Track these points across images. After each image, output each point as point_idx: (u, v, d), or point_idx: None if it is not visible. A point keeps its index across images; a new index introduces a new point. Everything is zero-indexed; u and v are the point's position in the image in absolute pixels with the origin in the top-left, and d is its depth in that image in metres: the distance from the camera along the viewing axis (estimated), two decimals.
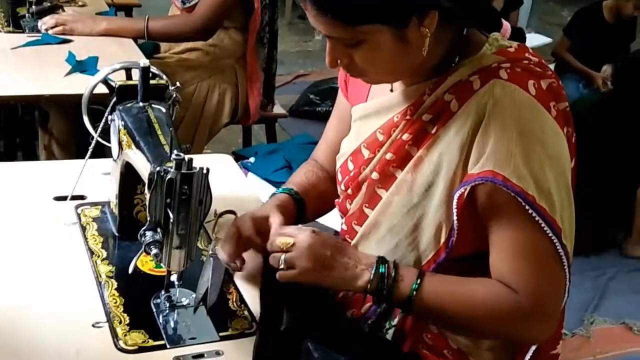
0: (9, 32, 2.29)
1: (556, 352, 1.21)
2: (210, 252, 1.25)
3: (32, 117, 2.53)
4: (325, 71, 4.66)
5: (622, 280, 2.80)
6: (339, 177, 1.25)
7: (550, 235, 1.03)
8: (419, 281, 1.06)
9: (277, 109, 2.84)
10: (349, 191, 1.21)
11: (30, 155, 2.54)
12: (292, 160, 2.18)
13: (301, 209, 1.29)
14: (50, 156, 2.31)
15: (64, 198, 1.37)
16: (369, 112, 1.21)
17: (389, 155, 1.14)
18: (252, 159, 2.26)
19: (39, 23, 2.28)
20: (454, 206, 1.06)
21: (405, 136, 1.12)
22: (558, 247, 1.04)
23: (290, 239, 1.07)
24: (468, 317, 1.07)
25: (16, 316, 1.07)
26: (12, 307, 1.09)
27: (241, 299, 1.17)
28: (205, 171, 1.01)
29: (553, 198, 1.04)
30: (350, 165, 1.22)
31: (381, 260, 1.08)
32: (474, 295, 1.07)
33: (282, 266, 1.07)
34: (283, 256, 1.07)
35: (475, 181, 1.03)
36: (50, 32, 2.25)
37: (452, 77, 1.09)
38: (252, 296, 1.18)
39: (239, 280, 1.21)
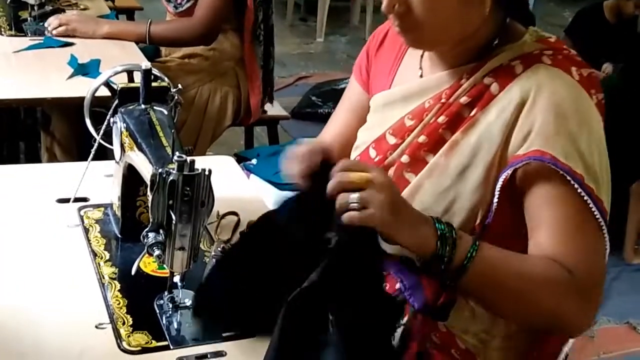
0: (11, 35, 2.30)
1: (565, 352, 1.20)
2: (213, 253, 1.25)
3: (35, 120, 2.53)
4: (326, 73, 4.67)
5: (625, 280, 2.80)
6: None
7: (597, 217, 1.03)
8: (476, 245, 1.00)
9: (279, 111, 2.84)
10: None
11: (33, 157, 2.55)
12: None
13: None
14: (52, 158, 2.32)
15: (66, 200, 1.38)
16: (394, 98, 1.21)
17: (421, 138, 1.14)
18: (254, 161, 2.26)
19: (46, 24, 2.29)
20: (497, 188, 1.06)
21: (441, 119, 1.12)
22: (603, 229, 1.03)
23: (366, 174, 0.95)
24: (523, 288, 1.01)
25: (19, 318, 1.07)
26: (16, 309, 1.09)
27: None
28: (207, 173, 1.01)
29: (599, 180, 1.04)
30: (373, 153, 1.21)
31: (437, 219, 1.01)
32: (531, 267, 1.01)
33: (354, 205, 0.94)
34: (357, 194, 0.94)
35: (523, 161, 1.04)
36: (53, 32, 2.26)
37: (492, 62, 1.11)
38: None
39: None
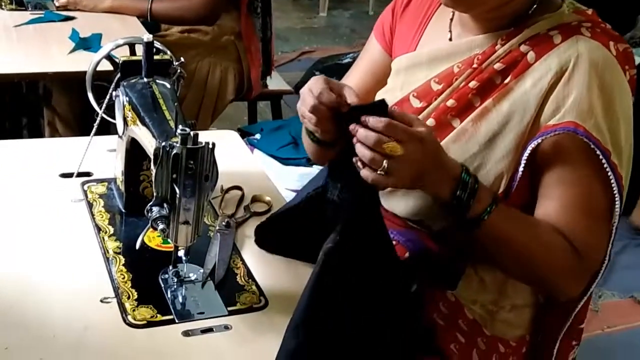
0: (12, 9, 2.28)
1: (581, 327, 1.22)
2: (218, 227, 1.25)
3: (37, 95, 2.52)
4: (330, 48, 4.64)
5: (630, 254, 2.79)
6: None
7: (615, 191, 1.05)
8: (492, 206, 1.03)
9: (282, 86, 2.83)
10: None
11: (35, 133, 2.54)
12: (297, 137, 2.17)
13: None
14: (54, 133, 2.32)
15: (70, 175, 1.37)
16: (420, 60, 1.20)
17: (450, 102, 1.13)
18: (257, 136, 2.26)
19: (53, 2, 2.27)
20: (525, 156, 1.07)
21: (472, 84, 1.12)
22: (616, 206, 1.07)
23: (399, 147, 0.95)
24: (525, 257, 1.07)
25: (24, 292, 1.07)
26: (20, 284, 1.09)
27: (249, 274, 1.17)
28: (211, 146, 1.00)
29: (622, 156, 1.06)
30: None
31: (466, 171, 1.03)
32: (537, 238, 1.06)
33: (380, 172, 0.96)
34: (385, 163, 0.95)
35: (556, 131, 1.04)
36: (56, 3, 2.24)
37: (529, 30, 1.10)
38: (260, 271, 1.18)
39: (246, 255, 1.21)
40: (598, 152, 1.03)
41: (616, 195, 1.06)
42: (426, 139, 0.98)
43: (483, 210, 1.03)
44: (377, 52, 1.32)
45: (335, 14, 5.37)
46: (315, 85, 1.03)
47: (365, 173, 0.97)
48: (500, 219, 1.05)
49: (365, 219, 1.02)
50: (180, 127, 1.00)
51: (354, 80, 1.32)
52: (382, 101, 1.00)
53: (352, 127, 0.97)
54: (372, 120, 0.96)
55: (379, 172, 0.96)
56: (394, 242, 1.13)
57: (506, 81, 1.09)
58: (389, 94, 1.23)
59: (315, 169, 2.03)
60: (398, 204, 1.17)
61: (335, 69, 3.99)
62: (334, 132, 1.03)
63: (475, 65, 1.12)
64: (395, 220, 1.19)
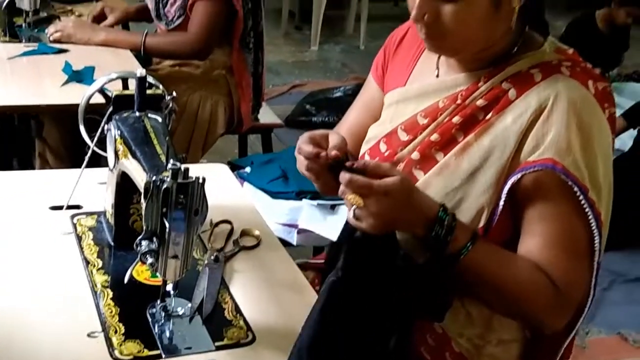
0: (6, 41, 2.30)
1: None
2: (206, 261, 1.25)
3: (29, 127, 2.53)
4: (321, 81, 4.68)
5: (616, 290, 2.80)
6: (367, 159, 1.26)
7: (593, 228, 1.07)
8: (470, 244, 1.07)
9: (273, 119, 2.84)
10: None
11: (26, 164, 2.54)
12: (288, 170, 2.18)
13: None
14: (45, 164, 2.32)
15: (59, 207, 1.38)
16: (409, 95, 1.24)
17: (434, 137, 1.16)
18: (248, 169, 2.26)
19: (46, 32, 2.29)
20: (504, 191, 1.09)
21: (455, 119, 1.15)
22: (595, 242, 1.08)
23: (360, 200, 1.02)
24: (504, 293, 1.09)
25: (11, 326, 1.07)
26: (8, 317, 1.08)
27: (237, 309, 1.17)
28: (201, 181, 1.01)
29: (601, 193, 1.08)
30: (383, 147, 1.23)
31: (443, 209, 1.07)
32: (516, 274, 1.08)
33: (351, 215, 1.05)
34: (352, 210, 1.04)
35: (534, 168, 1.07)
36: (50, 38, 2.26)
37: (511, 68, 1.13)
38: (247, 306, 1.18)
39: (234, 289, 1.22)
40: (576, 188, 1.05)
41: (595, 232, 1.08)
42: (392, 190, 1.02)
43: (461, 247, 1.06)
44: (373, 89, 1.37)
45: (327, 48, 5.43)
46: (298, 143, 1.12)
47: (348, 218, 1.06)
48: (479, 256, 1.07)
49: (365, 255, 1.06)
50: (171, 161, 1.01)
51: (352, 117, 1.39)
52: (364, 162, 1.07)
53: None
54: (340, 176, 1.04)
55: (349, 213, 1.05)
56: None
57: (488, 117, 1.12)
58: (380, 127, 1.27)
59: (305, 203, 2.04)
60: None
61: (325, 102, 4.02)
62: (334, 181, 1.08)
63: (459, 101, 1.15)
64: None
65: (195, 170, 1.03)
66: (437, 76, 1.22)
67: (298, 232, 2.02)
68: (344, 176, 1.03)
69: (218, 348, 1.08)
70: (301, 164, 1.13)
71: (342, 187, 1.04)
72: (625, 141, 3.69)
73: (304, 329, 1.02)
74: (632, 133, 3.65)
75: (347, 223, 1.12)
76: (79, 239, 1.30)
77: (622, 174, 3.12)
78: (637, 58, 4.86)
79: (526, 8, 1.10)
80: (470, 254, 1.07)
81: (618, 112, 4.13)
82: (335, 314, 1.01)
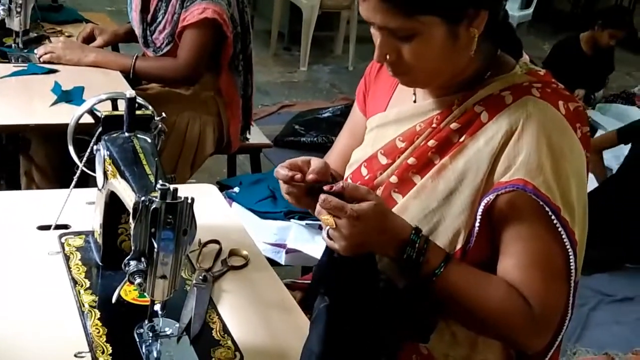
0: None
1: None
2: (194, 281, 1.25)
3: (17, 147, 2.52)
4: (309, 102, 4.70)
5: (603, 310, 2.82)
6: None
7: (567, 247, 1.08)
8: (442, 265, 1.09)
9: (262, 139, 2.85)
10: None
11: (14, 184, 2.53)
12: (276, 190, 2.18)
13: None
14: (31, 183, 2.31)
15: (47, 227, 1.37)
16: (388, 120, 1.26)
17: (411, 160, 1.18)
18: (236, 189, 2.26)
19: (35, 51, 2.30)
20: (479, 212, 1.10)
21: (431, 142, 1.16)
22: (571, 261, 1.09)
23: (332, 221, 1.06)
24: (479, 315, 1.11)
25: None
26: None
27: (225, 329, 1.17)
28: (190, 201, 1.02)
29: (575, 212, 1.09)
30: (364, 171, 1.25)
31: (416, 232, 1.10)
32: (490, 295, 1.10)
33: (324, 235, 1.09)
34: (326, 230, 1.08)
35: (506, 188, 1.08)
36: (40, 59, 2.26)
37: (483, 91, 1.15)
38: (235, 326, 1.18)
39: (222, 310, 1.22)
40: (547, 208, 1.07)
41: (570, 251, 1.09)
42: (364, 215, 1.05)
43: (434, 268, 1.08)
44: (357, 115, 1.40)
45: (316, 68, 5.46)
46: (276, 168, 1.16)
47: (323, 237, 1.10)
48: (453, 277, 1.09)
49: (346, 276, 1.09)
50: (160, 181, 1.02)
51: (341, 143, 1.43)
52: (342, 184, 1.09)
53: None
54: (319, 197, 1.07)
55: (324, 233, 1.08)
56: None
57: (462, 139, 1.14)
58: (362, 151, 1.29)
59: (293, 223, 2.04)
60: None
61: (314, 122, 4.03)
62: (314, 204, 1.11)
63: (434, 125, 1.18)
64: None
65: (184, 190, 1.03)
66: (415, 101, 1.24)
67: (286, 252, 2.02)
68: (320, 196, 1.06)
69: None
70: (282, 187, 1.17)
71: (318, 207, 1.07)
72: (610, 162, 3.73)
73: (308, 355, 1.03)
74: (617, 154, 3.68)
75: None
76: (67, 258, 1.30)
77: (611, 195, 3.17)
78: (621, 80, 4.92)
79: (492, 32, 1.12)
80: (443, 275, 1.09)
81: (601, 132, 4.20)
82: (335, 338, 1.03)
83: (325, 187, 1.08)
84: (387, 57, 1.11)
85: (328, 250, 1.11)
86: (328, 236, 1.08)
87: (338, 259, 1.08)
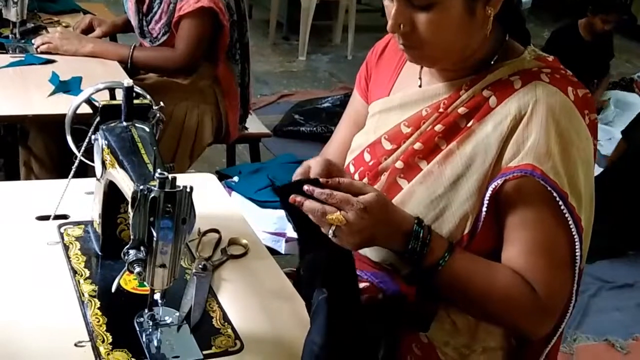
0: None
1: None
2: (194, 270, 1.25)
3: (15, 137, 2.52)
4: (308, 91, 4.69)
5: (603, 297, 2.82)
6: (352, 169, 1.27)
7: (574, 233, 1.08)
8: (447, 255, 1.09)
9: (261, 129, 2.85)
10: (365, 180, 1.22)
11: (13, 174, 2.53)
12: (275, 180, 2.18)
13: None
14: (30, 173, 2.31)
15: (46, 217, 1.37)
16: (392, 105, 1.25)
17: (417, 145, 1.17)
18: (235, 178, 2.26)
19: (32, 42, 2.29)
20: (487, 197, 1.10)
21: (438, 127, 1.16)
22: (576, 247, 1.09)
23: (342, 217, 1.04)
24: (484, 302, 1.11)
25: None
26: None
27: (225, 317, 1.17)
28: (189, 190, 1.01)
29: (582, 199, 1.09)
30: (367, 157, 1.24)
31: (418, 223, 1.09)
32: (495, 283, 1.10)
33: (330, 235, 1.06)
34: (333, 228, 1.05)
35: (514, 173, 1.08)
36: (38, 49, 2.26)
37: (492, 75, 1.14)
38: (235, 314, 1.18)
39: (222, 298, 1.22)
40: (555, 194, 1.06)
41: (575, 237, 1.08)
42: (370, 206, 1.04)
43: (438, 258, 1.08)
44: (358, 103, 1.39)
45: (314, 58, 5.45)
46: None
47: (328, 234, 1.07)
48: (458, 266, 1.09)
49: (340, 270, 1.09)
50: (158, 170, 1.02)
51: (341, 133, 1.41)
52: (315, 179, 1.08)
53: (297, 199, 1.07)
54: (317, 192, 1.05)
55: (330, 235, 1.06)
56: (368, 284, 1.15)
57: (469, 124, 1.13)
58: (364, 136, 1.28)
59: None
60: (370, 249, 1.19)
61: (313, 112, 4.03)
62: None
63: (441, 110, 1.17)
64: (369, 262, 1.22)
65: (183, 179, 1.03)
66: (420, 86, 1.23)
67: (286, 241, 2.02)
68: (323, 191, 1.04)
69: (206, 357, 1.08)
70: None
71: (316, 205, 1.04)
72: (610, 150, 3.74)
73: (310, 346, 1.02)
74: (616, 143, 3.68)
75: (306, 236, 1.12)
76: (66, 248, 1.30)
77: (611, 183, 3.17)
78: (621, 67, 4.91)
79: (505, 17, 1.12)
80: (448, 265, 1.08)
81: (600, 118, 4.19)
82: (336, 328, 1.03)
83: (321, 181, 1.06)
84: (402, 27, 1.09)
85: (323, 245, 1.09)
86: (334, 235, 1.06)
87: (336, 253, 1.08)
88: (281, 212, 2.07)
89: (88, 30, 2.54)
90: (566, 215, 1.07)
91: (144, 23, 2.40)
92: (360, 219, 1.04)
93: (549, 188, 1.06)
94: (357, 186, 1.07)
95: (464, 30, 1.09)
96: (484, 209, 1.10)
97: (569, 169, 1.08)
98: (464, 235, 1.12)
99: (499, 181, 1.09)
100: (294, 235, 2.00)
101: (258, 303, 1.22)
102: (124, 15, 2.63)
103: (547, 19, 6.65)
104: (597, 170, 3.43)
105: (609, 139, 4.17)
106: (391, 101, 1.26)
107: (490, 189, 1.09)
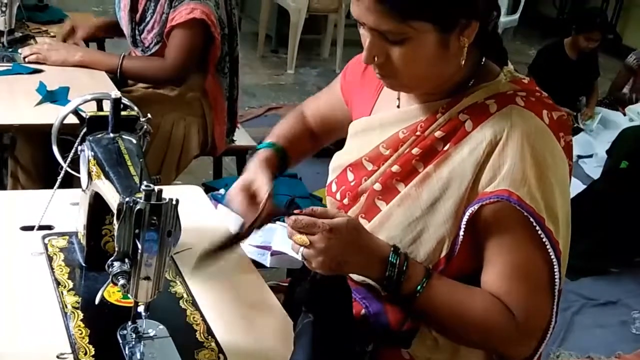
0: None
1: None
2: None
3: (2, 147, 2.51)
4: (296, 104, 4.69)
5: (586, 314, 2.83)
6: (334, 187, 1.28)
7: (552, 257, 1.08)
8: (424, 281, 1.09)
9: (248, 141, 2.85)
10: (345, 201, 1.24)
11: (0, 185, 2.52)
12: None
13: (283, 161, 1.38)
14: (16, 183, 2.29)
15: (31, 228, 1.36)
16: (373, 125, 1.25)
17: (395, 168, 1.17)
18: (222, 191, 2.26)
19: (19, 52, 2.28)
20: (463, 222, 1.10)
21: (415, 150, 1.16)
22: (555, 271, 1.09)
23: (305, 238, 1.05)
24: (462, 328, 1.11)
25: None
26: None
27: (208, 331, 1.16)
28: (174, 202, 1.01)
29: (559, 223, 1.09)
30: (350, 176, 1.25)
31: (394, 251, 1.09)
32: (473, 308, 1.10)
33: (299, 257, 1.08)
34: (301, 250, 1.06)
35: (490, 199, 1.08)
36: (26, 60, 2.25)
37: (467, 99, 1.15)
38: (219, 328, 1.18)
39: (206, 311, 1.21)
40: (532, 219, 1.06)
41: (554, 260, 1.09)
42: (337, 228, 1.05)
43: (416, 285, 1.08)
44: (337, 92, 1.42)
45: (303, 71, 5.46)
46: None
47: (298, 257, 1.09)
48: (435, 292, 1.09)
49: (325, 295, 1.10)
50: (144, 182, 1.02)
51: (324, 97, 1.48)
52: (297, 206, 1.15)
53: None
54: (287, 220, 1.08)
55: (299, 258, 1.07)
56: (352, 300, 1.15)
57: (446, 148, 1.13)
58: (346, 156, 1.29)
59: (278, 225, 2.04)
60: None
61: None
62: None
63: (418, 133, 1.17)
64: (351, 279, 1.22)
65: (169, 191, 1.03)
66: (398, 106, 1.23)
67: (271, 254, 2.01)
68: (291, 217, 1.06)
69: None
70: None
71: (288, 230, 1.07)
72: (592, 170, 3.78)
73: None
74: (600, 163, 3.72)
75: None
76: (50, 259, 1.29)
77: (594, 201, 3.19)
78: (606, 86, 4.95)
79: (481, 40, 1.12)
80: (425, 291, 1.09)
81: (587, 137, 4.23)
82: (320, 350, 1.04)
83: (296, 211, 1.08)
84: (375, 58, 1.11)
85: (308, 272, 1.10)
86: (303, 257, 1.07)
87: (319, 279, 1.08)
88: (267, 225, 2.07)
89: (71, 35, 2.53)
90: (544, 239, 1.07)
91: (137, 32, 2.40)
92: (327, 240, 1.04)
93: (525, 213, 1.06)
94: (330, 213, 1.08)
95: (439, 61, 1.10)
96: (461, 232, 1.11)
97: (545, 193, 1.08)
98: (441, 258, 1.13)
99: (476, 206, 1.09)
100: (279, 248, 2.02)
101: (242, 316, 1.22)
102: (104, 18, 2.62)
103: (533, 37, 6.71)
104: (580, 187, 3.46)
105: (591, 155, 4.21)
106: (371, 122, 1.27)
107: (468, 213, 1.10)
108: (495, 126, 1.10)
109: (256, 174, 1.28)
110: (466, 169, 1.10)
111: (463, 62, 1.11)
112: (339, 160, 1.30)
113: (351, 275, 1.21)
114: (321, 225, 1.05)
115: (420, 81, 1.14)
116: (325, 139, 1.50)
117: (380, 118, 1.25)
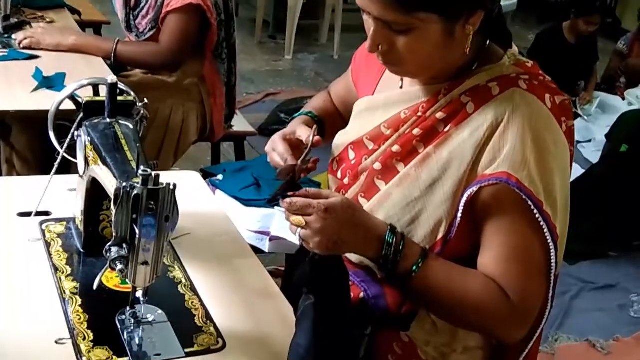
0: None
1: None
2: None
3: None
4: (294, 90, 4.69)
5: (584, 298, 2.84)
6: (335, 165, 1.29)
7: (549, 241, 1.08)
8: (420, 261, 1.09)
9: (246, 127, 2.85)
10: (346, 180, 1.24)
11: None
12: (260, 178, 2.18)
13: (320, 129, 1.36)
14: (12, 169, 2.29)
15: (28, 214, 1.36)
16: (375, 105, 1.25)
17: (395, 148, 1.17)
18: (220, 177, 2.25)
19: (14, 38, 2.27)
20: (462, 203, 1.10)
21: (416, 131, 1.16)
22: (552, 254, 1.09)
23: (301, 219, 1.06)
24: (458, 309, 1.11)
25: None
26: None
27: (207, 315, 1.16)
28: (172, 187, 1.01)
29: (557, 207, 1.09)
30: (352, 154, 1.26)
31: (391, 230, 1.09)
32: (468, 289, 1.10)
33: (297, 239, 1.08)
34: (298, 231, 1.07)
35: (489, 181, 1.07)
36: (20, 45, 2.24)
37: (470, 81, 1.14)
38: (218, 312, 1.18)
39: (205, 296, 1.21)
40: (530, 202, 1.06)
41: (550, 245, 1.08)
42: (332, 207, 1.05)
43: (412, 265, 1.08)
44: (350, 74, 1.43)
45: (301, 57, 5.45)
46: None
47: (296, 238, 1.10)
48: (431, 272, 1.09)
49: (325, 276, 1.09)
50: (141, 167, 1.01)
51: (342, 82, 1.49)
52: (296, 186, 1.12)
53: None
54: (283, 203, 1.08)
55: (298, 240, 1.08)
56: (350, 283, 1.16)
57: (447, 129, 1.13)
58: (348, 135, 1.29)
59: (277, 210, 2.04)
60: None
61: (298, 111, 4.00)
62: None
63: (420, 114, 1.17)
64: (349, 262, 1.22)
65: (167, 177, 1.03)
66: (401, 87, 1.23)
67: (270, 240, 2.02)
68: (286, 201, 1.07)
69: (188, 354, 1.07)
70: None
71: (285, 213, 1.07)
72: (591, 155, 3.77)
73: (296, 349, 1.03)
74: (599, 147, 3.72)
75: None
76: (48, 245, 1.29)
77: (593, 185, 3.19)
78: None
79: (486, 27, 1.11)
80: (421, 272, 1.09)
81: (584, 122, 4.23)
82: (321, 332, 1.04)
83: (289, 194, 1.09)
84: (380, 47, 1.10)
85: (307, 254, 1.09)
86: (300, 238, 1.07)
87: (318, 260, 1.08)
88: (265, 211, 2.07)
89: None
90: (541, 223, 1.07)
91: (131, 17, 2.39)
92: (323, 220, 1.04)
93: (524, 196, 1.06)
94: (324, 194, 1.08)
95: (443, 49, 1.09)
96: (459, 214, 1.10)
97: (545, 177, 1.08)
98: (438, 239, 1.13)
99: (475, 188, 1.09)
100: (278, 234, 2.02)
101: (241, 301, 1.22)
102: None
103: (532, 22, 6.69)
104: (580, 171, 3.46)
105: (590, 140, 4.21)
106: (374, 101, 1.27)
107: (466, 195, 1.09)
108: (497, 109, 1.10)
109: (297, 127, 1.27)
110: (466, 151, 1.10)
111: (468, 50, 1.10)
112: (342, 138, 1.30)
113: (349, 256, 1.21)
114: (316, 205, 1.05)
115: (423, 68, 1.14)
116: (348, 120, 1.51)
117: (383, 98, 1.25)
